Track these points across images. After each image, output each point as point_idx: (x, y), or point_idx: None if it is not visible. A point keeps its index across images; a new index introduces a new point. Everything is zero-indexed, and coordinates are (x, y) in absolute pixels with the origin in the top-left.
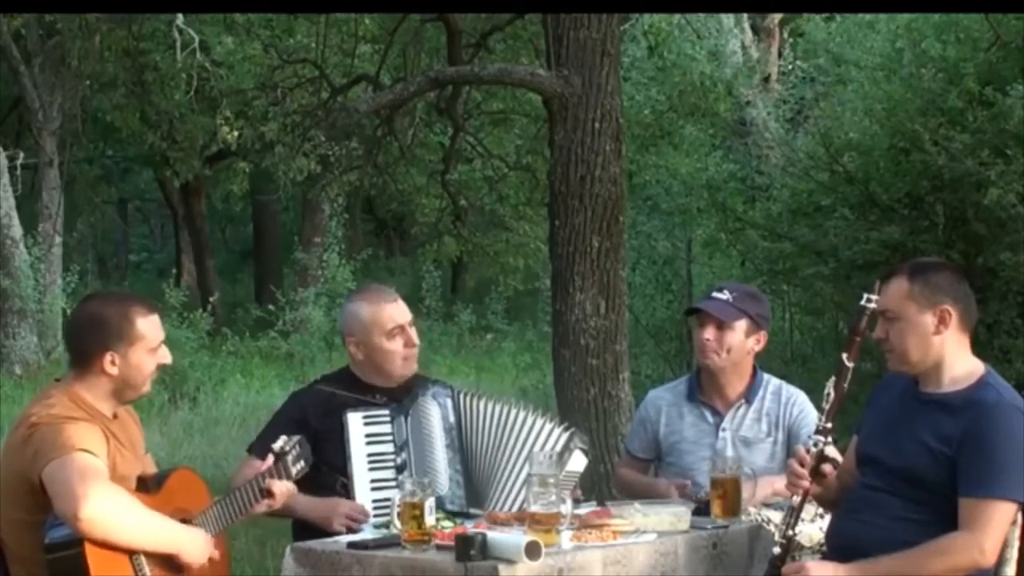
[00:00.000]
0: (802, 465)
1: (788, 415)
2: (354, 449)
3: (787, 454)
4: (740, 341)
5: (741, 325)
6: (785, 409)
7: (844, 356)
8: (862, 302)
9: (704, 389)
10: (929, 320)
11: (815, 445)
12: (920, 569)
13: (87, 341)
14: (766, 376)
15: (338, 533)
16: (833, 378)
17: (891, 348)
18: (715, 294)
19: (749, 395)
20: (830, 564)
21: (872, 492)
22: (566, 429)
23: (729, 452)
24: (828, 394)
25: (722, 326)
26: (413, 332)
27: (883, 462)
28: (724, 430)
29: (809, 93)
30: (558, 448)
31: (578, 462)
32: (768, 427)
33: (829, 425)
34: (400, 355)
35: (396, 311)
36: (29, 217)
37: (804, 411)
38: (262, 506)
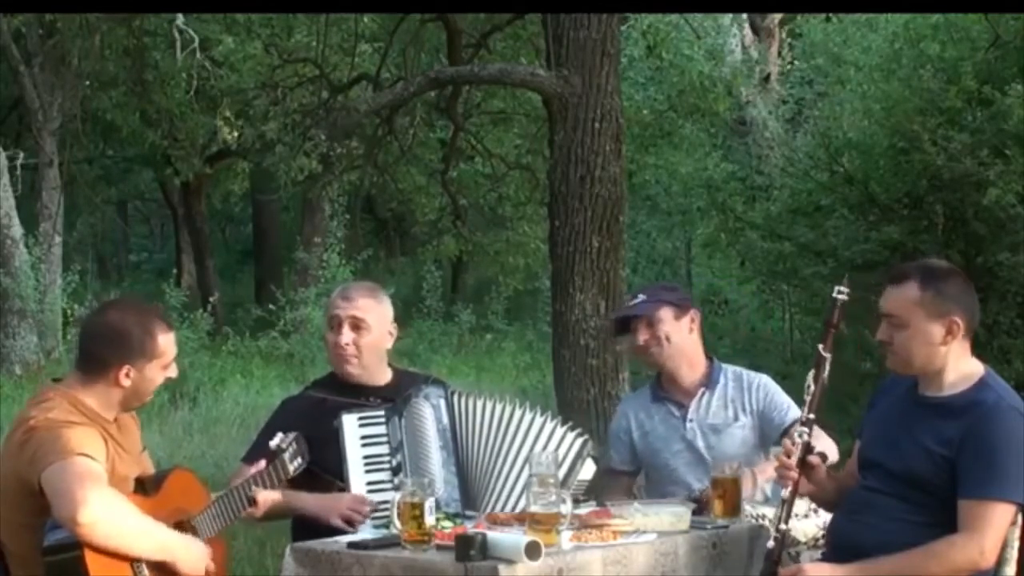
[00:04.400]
0: (788, 456)
1: (755, 400)
2: (350, 452)
3: (759, 439)
4: (673, 326)
5: (666, 313)
6: (750, 394)
7: (820, 347)
8: (834, 294)
9: (664, 386)
10: (937, 330)
11: (800, 436)
12: (919, 570)
13: (107, 352)
14: (724, 364)
15: (338, 529)
16: (812, 371)
17: (895, 352)
18: (629, 303)
19: (709, 382)
20: (827, 565)
21: (872, 494)
22: (579, 435)
23: (699, 442)
24: (808, 386)
25: (650, 322)
26: (347, 332)
27: (884, 466)
28: (691, 420)
29: (808, 93)
30: (566, 452)
31: (589, 470)
32: (735, 412)
33: (812, 416)
34: (332, 347)
35: (341, 303)
36: (29, 217)
37: (771, 393)
38: (244, 514)
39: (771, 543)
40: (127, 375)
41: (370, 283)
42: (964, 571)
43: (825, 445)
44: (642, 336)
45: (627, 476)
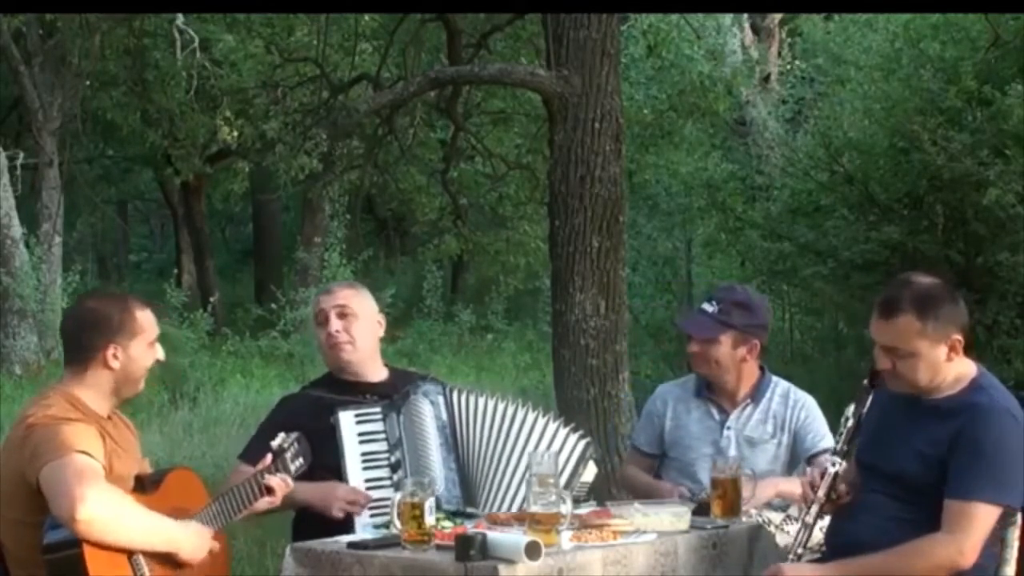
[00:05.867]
0: (815, 487)
1: (795, 418)
2: (347, 448)
3: (790, 457)
4: (727, 353)
5: (726, 338)
6: (792, 412)
7: (865, 382)
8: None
9: (711, 387)
10: (941, 351)
11: (832, 466)
12: (899, 569)
13: (90, 336)
14: (775, 378)
15: (337, 528)
16: (853, 404)
17: (899, 376)
18: (704, 306)
19: (756, 395)
20: (807, 565)
21: (869, 494)
22: (581, 437)
23: (732, 451)
24: (847, 419)
25: (706, 340)
26: (335, 320)
27: (878, 468)
28: (729, 428)
29: (808, 93)
30: (568, 454)
31: (591, 472)
32: (773, 428)
33: (846, 448)
34: (325, 343)
35: (323, 298)
36: (29, 217)
37: (811, 416)
38: (263, 503)
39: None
40: (115, 355)
41: (349, 280)
42: (943, 570)
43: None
44: (693, 347)
45: (651, 458)
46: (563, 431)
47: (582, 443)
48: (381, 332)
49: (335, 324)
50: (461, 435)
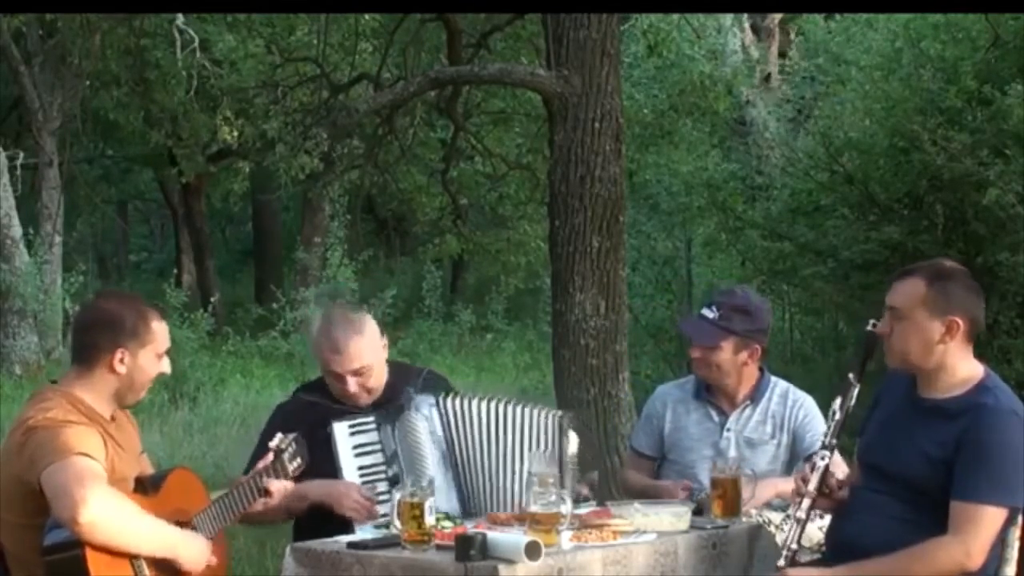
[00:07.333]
0: (806, 482)
1: (794, 418)
2: (344, 461)
3: (790, 456)
4: (728, 358)
5: (727, 344)
6: (791, 412)
7: (851, 376)
8: (868, 327)
9: (711, 389)
10: (936, 328)
11: (821, 459)
12: (905, 571)
13: (100, 336)
14: (774, 378)
15: (338, 528)
16: (839, 398)
17: (891, 344)
18: (704, 311)
19: (755, 396)
20: (813, 569)
21: (872, 494)
22: (551, 414)
23: (732, 452)
24: (833, 412)
25: (707, 347)
26: (353, 382)
27: (882, 469)
28: (728, 430)
29: (809, 93)
30: (552, 435)
31: (574, 443)
32: (773, 429)
33: (835, 442)
34: (340, 393)
35: (336, 360)
36: (29, 217)
37: (810, 415)
38: (259, 504)
39: (781, 562)
40: (121, 360)
41: (347, 314)
42: (950, 572)
43: (839, 470)
44: (695, 353)
45: (650, 461)
46: (538, 414)
47: (555, 418)
48: (386, 352)
49: (352, 386)
50: (458, 446)
